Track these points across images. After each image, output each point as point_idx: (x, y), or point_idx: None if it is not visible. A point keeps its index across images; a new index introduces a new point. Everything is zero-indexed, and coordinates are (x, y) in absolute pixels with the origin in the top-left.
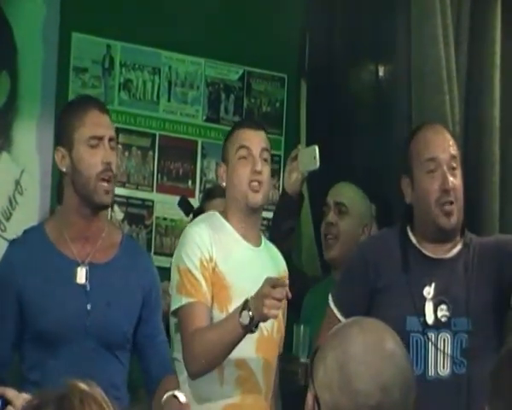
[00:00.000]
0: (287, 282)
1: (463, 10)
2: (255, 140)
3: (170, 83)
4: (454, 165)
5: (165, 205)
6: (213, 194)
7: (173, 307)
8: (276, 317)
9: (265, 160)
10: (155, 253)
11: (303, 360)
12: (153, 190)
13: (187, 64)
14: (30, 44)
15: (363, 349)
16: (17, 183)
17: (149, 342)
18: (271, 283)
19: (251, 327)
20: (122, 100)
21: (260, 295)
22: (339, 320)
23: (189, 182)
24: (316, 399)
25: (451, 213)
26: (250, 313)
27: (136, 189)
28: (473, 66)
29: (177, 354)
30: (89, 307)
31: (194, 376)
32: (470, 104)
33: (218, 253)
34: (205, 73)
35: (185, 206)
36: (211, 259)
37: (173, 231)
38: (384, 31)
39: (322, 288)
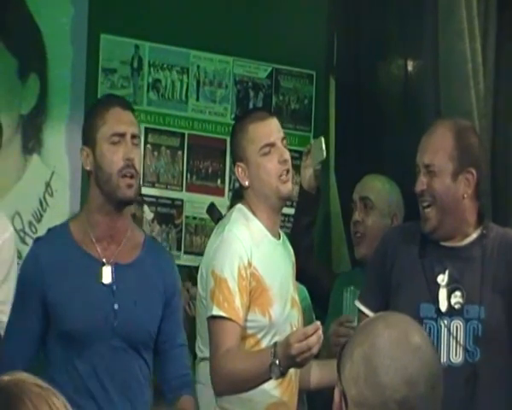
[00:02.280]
0: (318, 324)
1: (490, 3)
2: (274, 132)
3: (198, 82)
4: (432, 170)
5: (195, 204)
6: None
7: (207, 314)
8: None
9: (285, 146)
10: (185, 252)
11: (355, 323)
12: (182, 190)
13: (215, 63)
14: (59, 47)
15: (388, 343)
16: (47, 185)
17: (169, 343)
18: (298, 338)
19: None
20: (151, 100)
21: (291, 356)
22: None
23: (219, 181)
24: (343, 394)
25: (427, 218)
26: (281, 368)
27: (166, 188)
28: (500, 58)
29: (207, 352)
30: (116, 306)
31: (218, 394)
32: (498, 97)
33: (256, 255)
34: (233, 71)
35: (214, 212)
36: (249, 264)
37: (203, 230)
38: (411, 25)
39: (353, 275)
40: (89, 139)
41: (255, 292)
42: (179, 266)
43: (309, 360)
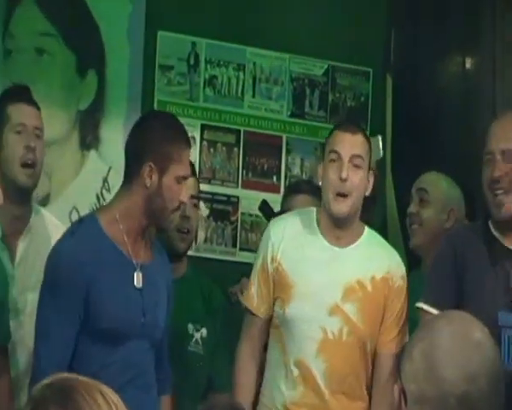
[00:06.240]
0: None
1: None
2: (347, 145)
3: (254, 79)
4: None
5: (251, 201)
6: (297, 189)
7: None
8: None
9: (356, 166)
10: (241, 249)
11: None
12: (238, 186)
13: (271, 60)
14: (116, 43)
15: (449, 339)
16: (104, 180)
17: (162, 342)
18: None
19: None
20: (207, 96)
21: None
22: None
23: (274, 178)
24: (402, 391)
25: (502, 204)
26: None
27: (222, 185)
28: None
29: None
30: (143, 307)
31: None
32: None
33: (288, 252)
34: (289, 68)
35: (266, 210)
36: (274, 259)
37: (258, 227)
38: (469, 23)
39: (410, 280)
40: (159, 161)
41: (277, 286)
42: (235, 262)
43: None
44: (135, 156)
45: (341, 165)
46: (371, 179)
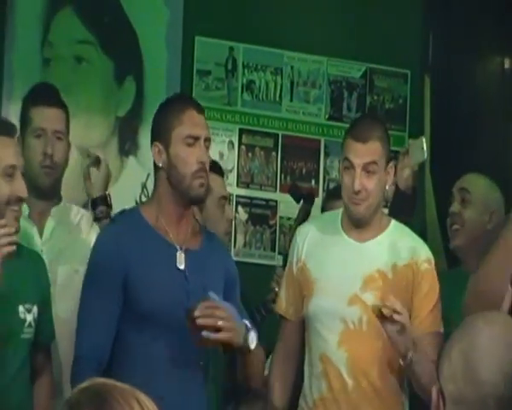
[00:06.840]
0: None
1: None
2: (358, 154)
3: (292, 82)
4: None
5: (289, 205)
6: (338, 194)
7: None
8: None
9: (370, 172)
10: (279, 253)
11: None
12: (276, 190)
13: (309, 63)
14: (154, 49)
15: (488, 340)
16: (143, 186)
17: None
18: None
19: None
20: (245, 101)
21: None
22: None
23: (313, 181)
24: (440, 392)
25: None
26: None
27: (260, 189)
28: None
29: None
30: (188, 291)
31: None
32: None
33: (312, 251)
34: (327, 71)
35: (295, 192)
36: (299, 260)
37: None
38: (508, 22)
39: (450, 278)
40: (162, 136)
41: (303, 285)
42: (274, 266)
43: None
44: (150, 146)
45: (354, 174)
46: (391, 171)
